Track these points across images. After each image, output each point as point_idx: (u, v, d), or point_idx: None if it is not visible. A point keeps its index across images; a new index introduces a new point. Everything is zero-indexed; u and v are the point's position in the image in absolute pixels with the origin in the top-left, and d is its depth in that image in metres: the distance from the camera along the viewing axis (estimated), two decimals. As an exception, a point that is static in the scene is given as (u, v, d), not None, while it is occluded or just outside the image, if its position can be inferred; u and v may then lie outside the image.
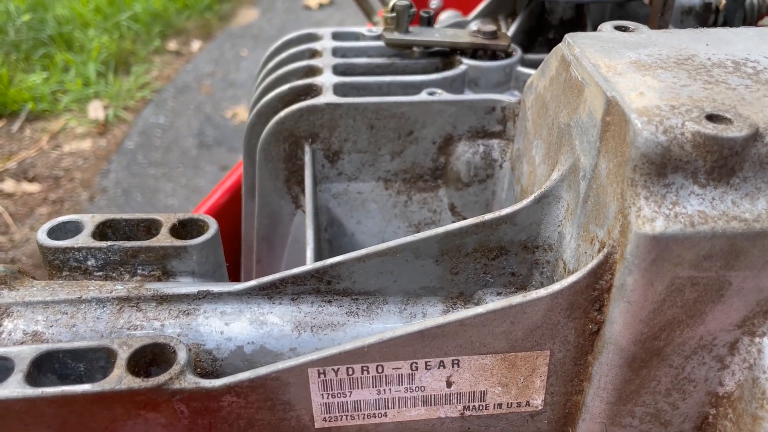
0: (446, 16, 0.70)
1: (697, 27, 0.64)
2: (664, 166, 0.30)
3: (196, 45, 3.82)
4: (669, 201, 0.30)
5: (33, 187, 2.93)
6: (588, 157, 0.35)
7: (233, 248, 0.61)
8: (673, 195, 0.30)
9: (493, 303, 0.33)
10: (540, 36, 0.61)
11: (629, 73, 0.34)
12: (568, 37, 0.38)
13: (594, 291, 0.33)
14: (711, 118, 0.30)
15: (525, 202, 0.39)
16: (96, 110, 3.35)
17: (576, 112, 0.36)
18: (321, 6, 4.16)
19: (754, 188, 0.30)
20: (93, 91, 3.39)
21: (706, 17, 0.63)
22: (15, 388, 0.34)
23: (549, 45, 0.61)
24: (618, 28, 0.40)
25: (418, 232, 0.54)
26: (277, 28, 3.96)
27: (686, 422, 0.35)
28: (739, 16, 0.61)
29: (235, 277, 0.62)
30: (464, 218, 0.53)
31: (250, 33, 3.85)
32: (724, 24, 0.63)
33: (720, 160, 0.29)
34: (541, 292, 0.33)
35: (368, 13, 0.70)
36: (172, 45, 3.79)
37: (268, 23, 4.01)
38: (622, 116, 0.31)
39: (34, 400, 0.34)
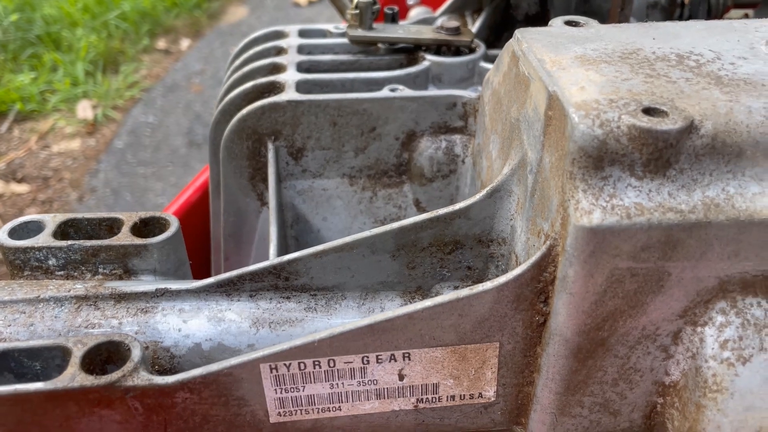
0: (416, 12, 0.70)
1: (662, 20, 0.64)
2: (601, 159, 0.30)
3: (185, 43, 3.81)
4: (606, 193, 0.30)
5: (22, 188, 2.92)
6: (534, 152, 0.35)
7: (205, 245, 0.61)
8: (610, 187, 0.30)
9: (441, 296, 0.34)
10: (505, 31, 0.61)
11: (573, 67, 0.34)
12: (518, 33, 0.39)
13: (539, 283, 0.33)
14: (647, 111, 0.30)
15: (478, 196, 0.39)
16: (85, 110, 3.34)
17: (524, 107, 0.37)
18: (310, 3, 4.15)
19: (691, 180, 0.30)
20: (81, 91, 3.38)
21: (671, 11, 0.63)
22: (-30, 387, 0.34)
23: (514, 40, 0.61)
24: (568, 23, 0.40)
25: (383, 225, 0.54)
26: (266, 26, 3.94)
27: (635, 411, 0.36)
28: (703, 9, 0.61)
29: (206, 273, 0.62)
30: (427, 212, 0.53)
31: (240, 31, 3.84)
32: (690, 18, 0.63)
33: (655, 153, 0.30)
34: (487, 284, 0.33)
35: (341, 11, 0.71)
36: (161, 43, 3.78)
37: (257, 20, 4.00)
38: (561, 110, 0.31)
39: (-10, 399, 0.34)
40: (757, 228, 0.30)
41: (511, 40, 0.40)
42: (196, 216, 0.63)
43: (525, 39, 0.38)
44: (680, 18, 0.64)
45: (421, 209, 0.53)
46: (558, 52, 0.36)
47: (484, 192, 0.39)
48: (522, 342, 0.35)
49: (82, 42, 3.41)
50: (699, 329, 0.32)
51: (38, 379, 0.37)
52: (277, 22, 3.94)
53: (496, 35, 0.61)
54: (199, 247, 0.61)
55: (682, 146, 0.30)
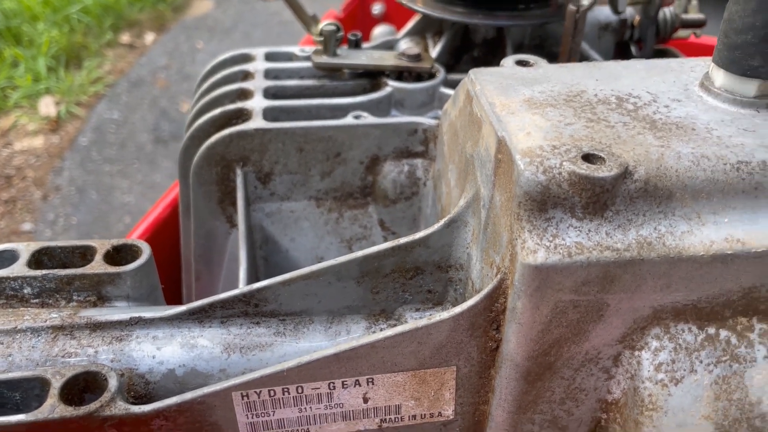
0: (379, 31, 0.72)
1: (614, 42, 0.68)
2: (545, 203, 0.33)
3: (149, 37, 3.75)
4: (550, 233, 0.33)
5: (-17, 188, 2.84)
6: (486, 189, 0.38)
7: (176, 263, 0.62)
8: (553, 228, 0.33)
9: (401, 326, 0.36)
10: (465, 54, 0.64)
11: (521, 112, 0.37)
12: (472, 73, 0.41)
13: (491, 312, 0.36)
14: (586, 157, 0.33)
15: (436, 226, 0.42)
16: (47, 106, 3.27)
17: (477, 146, 0.39)
18: (277, -4, 4.10)
19: (626, 220, 0.33)
20: (44, 87, 3.30)
21: (622, 32, 0.67)
22: (-50, 421, 0.35)
23: (474, 62, 0.64)
24: (519, 62, 0.43)
25: (350, 247, 0.56)
26: (232, 19, 3.91)
27: (581, 426, 0.39)
28: (651, 32, 0.65)
29: (177, 289, 0.63)
30: (393, 233, 0.56)
31: (205, 24, 3.80)
32: (639, 39, 0.66)
33: (594, 197, 0.32)
34: (444, 314, 0.36)
35: (307, 25, 0.72)
36: (125, 38, 3.71)
37: (223, 14, 3.95)
38: (509, 156, 0.34)
39: (-32, 432, 0.35)
40: (685, 263, 0.33)
41: (465, 78, 0.42)
42: (168, 232, 0.64)
43: (478, 80, 0.40)
44: (630, 38, 0.67)
45: (385, 229, 0.56)
46: (508, 95, 0.39)
47: (441, 222, 0.41)
48: (477, 365, 0.38)
49: (43, 37, 3.33)
50: (636, 353, 0.36)
51: (18, 410, 0.38)
52: (243, 15, 3.91)
53: (456, 58, 0.63)
54: (169, 263, 0.63)
55: (618, 190, 0.33)
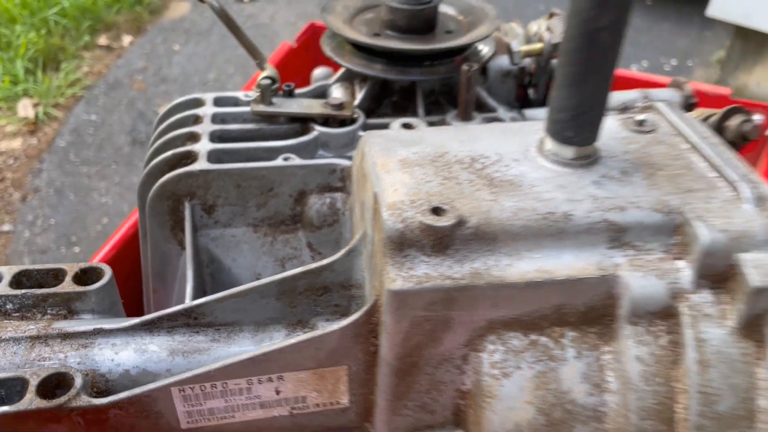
0: (318, 73, 0.83)
1: (514, 87, 0.79)
2: (402, 244, 0.44)
3: (127, 40, 3.80)
4: (406, 267, 0.44)
5: (-38, 190, 2.90)
6: (370, 229, 0.49)
7: (139, 277, 0.73)
8: (408, 263, 0.44)
9: (302, 335, 0.47)
10: (385, 99, 0.75)
11: (395, 170, 0.48)
12: (365, 135, 0.52)
13: (370, 324, 0.47)
14: (434, 210, 0.44)
15: (338, 254, 0.53)
16: (26, 108, 3.32)
17: (366, 194, 0.50)
18: (253, -1, 4.17)
19: (462, 257, 0.45)
20: (22, 89, 3.35)
21: (521, 78, 0.78)
22: (-50, 411, 0.46)
23: (393, 106, 0.75)
24: (403, 125, 0.54)
25: (283, 265, 0.67)
26: (209, 22, 3.97)
27: (446, 410, 0.50)
28: (544, 78, 0.76)
29: (139, 298, 0.74)
30: (320, 253, 0.67)
31: (182, 27, 3.86)
32: (535, 84, 0.78)
33: (437, 240, 0.44)
34: (334, 326, 0.47)
35: (260, 64, 0.83)
36: (103, 40, 3.76)
37: (200, 17, 4.01)
38: (379, 208, 0.45)
39: (-35, 420, 0.46)
40: (507, 288, 0.44)
41: (363, 137, 0.53)
42: (130, 250, 0.74)
43: (368, 142, 0.51)
44: (529, 84, 0.78)
45: (313, 250, 0.67)
46: (388, 155, 0.50)
47: (343, 251, 0.53)
48: (363, 364, 0.49)
49: (21, 39, 3.37)
50: (478, 354, 0.47)
51: (3, 403, 0.49)
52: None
53: (378, 103, 0.74)
54: (134, 276, 0.73)
55: (455, 235, 0.44)
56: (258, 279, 0.58)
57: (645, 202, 0.46)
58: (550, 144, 0.49)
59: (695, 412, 0.44)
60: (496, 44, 0.80)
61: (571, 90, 0.45)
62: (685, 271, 0.45)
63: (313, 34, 1.03)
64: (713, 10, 3.34)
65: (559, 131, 0.48)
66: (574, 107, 0.46)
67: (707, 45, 4.04)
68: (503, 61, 0.77)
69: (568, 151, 0.48)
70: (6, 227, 2.84)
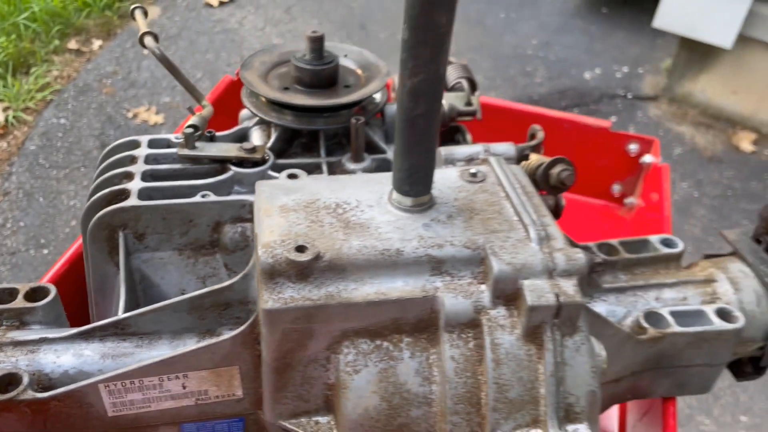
0: (243, 114, 0.97)
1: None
2: (273, 274, 0.58)
3: (96, 44, 3.88)
4: (276, 291, 0.58)
5: (-67, 194, 2.97)
6: (254, 261, 0.63)
7: (84, 289, 0.86)
8: (279, 288, 0.58)
9: (199, 343, 0.61)
10: (295, 140, 0.89)
11: (274, 215, 0.62)
12: (257, 185, 0.66)
13: (253, 334, 0.61)
14: (298, 248, 0.59)
15: (237, 278, 0.67)
16: (-5, 112, 3.38)
17: (255, 232, 0.65)
18: (221, 4, 4.28)
19: (320, 283, 0.59)
20: (-9, 94, 3.41)
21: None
22: (-77, 404, 0.59)
23: (302, 147, 0.89)
24: (289, 176, 0.68)
25: (204, 282, 0.81)
26: (178, 27, 4.06)
27: (318, 399, 0.65)
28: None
29: (86, 308, 0.87)
30: (235, 272, 0.81)
31: (152, 31, 3.94)
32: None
33: (299, 271, 0.58)
34: (226, 335, 0.61)
35: (197, 99, 0.96)
36: (73, 44, 3.84)
37: (169, 21, 4.10)
38: (257, 245, 0.59)
39: (-65, 410, 0.59)
40: (354, 306, 0.59)
41: (256, 186, 0.67)
42: (78, 268, 0.88)
43: (258, 190, 0.66)
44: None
45: (229, 269, 0.80)
46: (272, 202, 0.64)
47: (240, 275, 0.67)
48: (252, 365, 0.64)
49: (-10, 45, 3.43)
50: (337, 355, 0.61)
51: (-35, 397, 0.62)
52: (189, 23, 4.06)
53: (289, 143, 0.88)
54: (80, 291, 0.87)
55: (313, 267, 0.58)
56: (183, 294, 0.71)
57: (458, 241, 0.61)
58: (395, 194, 0.64)
59: (493, 398, 0.59)
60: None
61: (403, 157, 0.60)
62: (485, 293, 0.60)
63: (252, 67, 1.16)
64: (659, 22, 3.53)
65: (399, 186, 0.63)
66: (407, 169, 0.61)
67: (658, 53, 4.25)
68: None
69: (407, 201, 0.63)
70: (-24, 230, 2.90)
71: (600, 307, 0.75)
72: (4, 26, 3.62)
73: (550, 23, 4.40)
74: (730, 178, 3.30)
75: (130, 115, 3.40)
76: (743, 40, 3.35)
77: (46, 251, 2.77)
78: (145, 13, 1.09)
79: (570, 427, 0.60)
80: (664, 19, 3.53)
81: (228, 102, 1.23)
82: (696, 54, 3.65)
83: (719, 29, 3.34)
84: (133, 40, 3.93)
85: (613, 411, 0.97)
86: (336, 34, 4.07)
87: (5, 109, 3.37)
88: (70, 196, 3.01)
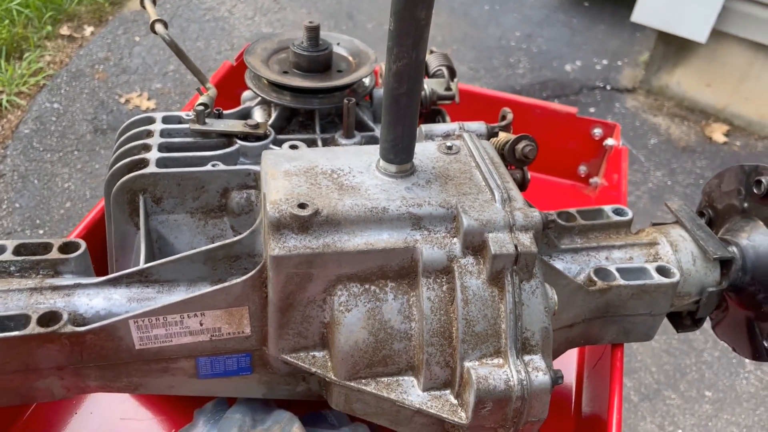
0: (245, 95, 1.07)
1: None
2: (279, 226, 0.69)
3: (88, 30, 3.93)
4: (281, 241, 0.69)
5: (-70, 174, 3.03)
6: (262, 216, 0.74)
7: (105, 246, 0.97)
8: (283, 238, 0.69)
9: (215, 287, 0.72)
10: (294, 118, 1.00)
11: (279, 178, 0.73)
12: (263, 153, 0.77)
13: (261, 278, 0.73)
14: (300, 205, 0.70)
15: (246, 233, 0.78)
16: (-11, 96, 3.42)
17: (261, 193, 0.75)
18: (212, -8, 4.32)
19: (318, 234, 0.70)
20: (-15, 78, 3.45)
21: (399, 103, 1.03)
22: (-21, 335, 0.70)
23: (299, 124, 1.00)
24: (291, 146, 0.79)
25: (212, 242, 0.92)
26: (169, 14, 4.12)
27: (315, 335, 0.76)
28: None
29: (103, 265, 0.98)
30: (240, 233, 0.92)
31: (143, 19, 4.00)
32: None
33: (301, 224, 0.69)
34: (237, 280, 0.72)
35: (202, 82, 1.06)
36: (65, 30, 3.89)
37: (160, 8, 4.15)
38: (265, 203, 0.70)
39: (-10, 341, 0.70)
40: (346, 255, 0.70)
41: (262, 154, 0.78)
42: (97, 228, 0.98)
43: (265, 157, 0.76)
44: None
45: (235, 231, 0.91)
46: (276, 167, 0.75)
47: (248, 231, 0.78)
48: (259, 305, 0.75)
49: (-17, 30, 3.48)
50: (332, 297, 0.73)
51: (15, 330, 0.72)
52: (179, 11, 4.12)
53: (288, 121, 0.99)
54: (100, 247, 0.97)
55: (313, 221, 0.70)
56: (194, 251, 0.82)
57: (435, 201, 0.72)
58: (381, 162, 0.75)
59: (462, 332, 0.71)
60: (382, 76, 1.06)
61: (388, 130, 0.71)
62: (457, 244, 0.71)
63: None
64: (637, 16, 3.67)
65: (385, 155, 0.74)
66: (392, 141, 0.72)
67: (637, 46, 4.39)
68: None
69: (392, 168, 0.74)
70: (-28, 210, 2.97)
71: (558, 264, 0.87)
72: (-3, 11, 3.65)
73: (533, 16, 4.52)
74: (702, 167, 3.46)
75: (122, 100, 3.47)
76: (717, 34, 3.50)
77: (41, 231, 2.84)
78: (154, 2, 1.18)
79: (526, 357, 0.72)
80: (642, 13, 3.67)
81: (227, 86, 1.33)
82: (672, 48, 3.79)
83: (694, 24, 3.48)
84: (125, 27, 3.99)
85: (572, 362, 1.10)
86: (324, 23, 4.16)
87: (-1, 93, 3.42)
88: (64, 179, 3.08)
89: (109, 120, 3.40)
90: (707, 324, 1.01)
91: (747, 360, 2.51)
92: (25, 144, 3.24)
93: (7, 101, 3.40)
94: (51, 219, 2.90)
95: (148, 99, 3.47)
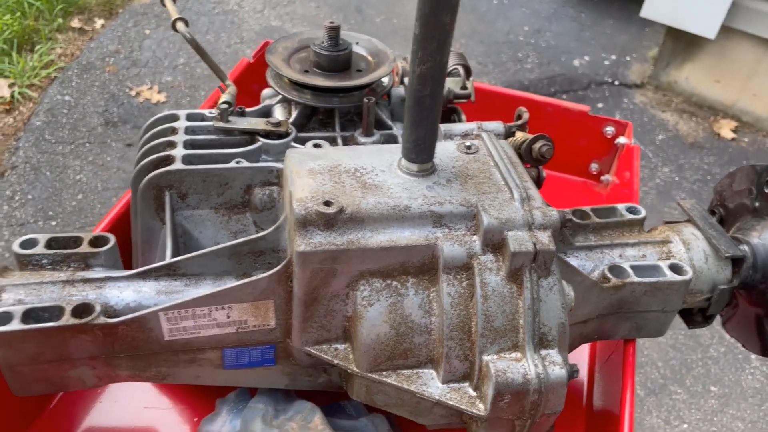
0: (265, 93, 1.09)
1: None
2: (305, 223, 0.72)
3: (99, 23, 3.95)
4: (307, 237, 0.72)
5: (-56, 166, 3.06)
6: (287, 213, 0.76)
7: (129, 240, 0.99)
8: (309, 234, 0.72)
9: (243, 281, 0.75)
10: (314, 116, 1.02)
11: (304, 176, 0.76)
12: (288, 151, 0.79)
13: (287, 273, 0.75)
14: (325, 203, 0.72)
15: (270, 229, 0.80)
16: (1, 88, 3.47)
17: (287, 189, 0.78)
18: (222, -15, 4.33)
19: (343, 231, 0.72)
20: (-3, 70, 3.48)
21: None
22: (15, 326, 0.72)
23: (319, 123, 1.02)
24: (314, 145, 0.82)
25: (235, 236, 0.94)
26: (179, 8, 4.12)
27: (338, 328, 0.78)
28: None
29: (129, 257, 1.00)
30: (262, 229, 0.94)
31: (153, 12, 4.02)
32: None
33: (327, 221, 0.72)
34: (264, 274, 0.75)
35: (222, 78, 1.08)
36: (75, 23, 3.91)
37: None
38: (292, 201, 0.73)
39: (25, 331, 0.72)
40: (369, 251, 0.72)
41: (286, 153, 0.80)
42: (121, 223, 1.01)
43: (289, 156, 0.79)
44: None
45: (257, 226, 0.94)
46: (301, 166, 0.77)
47: (273, 227, 0.80)
48: (284, 299, 0.77)
49: (-4, 22, 3.50)
50: (354, 292, 0.75)
51: (49, 322, 0.75)
52: (189, 4, 4.13)
53: (308, 119, 1.01)
54: (126, 241, 1.00)
55: (338, 219, 0.72)
56: (217, 246, 0.84)
57: (455, 200, 0.75)
58: (403, 161, 0.77)
59: (481, 327, 0.73)
60: (402, 74, 1.08)
61: (411, 130, 0.73)
62: (477, 242, 0.74)
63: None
64: (646, 12, 3.67)
65: (407, 154, 0.76)
66: (414, 140, 0.74)
67: (645, 41, 4.38)
68: (401, 90, 1.04)
69: (413, 167, 0.77)
70: (-14, 201, 3.00)
71: (572, 261, 0.89)
72: (9, 4, 3.69)
73: (541, 10, 4.52)
74: (710, 163, 3.46)
75: (133, 93, 3.50)
76: (726, 30, 3.50)
77: (54, 223, 2.88)
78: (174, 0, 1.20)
79: (543, 352, 0.74)
80: (651, 9, 3.67)
81: (245, 82, 1.35)
82: (681, 43, 3.79)
83: (704, 20, 3.48)
84: (135, 20, 4.01)
85: (584, 356, 1.12)
86: (333, 17, 4.17)
87: (11, 86, 3.45)
88: (76, 171, 3.11)
89: (120, 113, 3.43)
90: (714, 321, 1.03)
91: (753, 356, 2.53)
92: (37, 136, 3.27)
93: (19, 93, 3.43)
94: (63, 211, 2.94)
95: (159, 92, 3.49)
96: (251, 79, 1.39)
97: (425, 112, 0.71)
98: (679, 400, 2.38)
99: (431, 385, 0.75)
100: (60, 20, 3.82)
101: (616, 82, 3.95)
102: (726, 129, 3.65)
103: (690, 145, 3.57)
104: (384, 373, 0.76)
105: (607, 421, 0.94)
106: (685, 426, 2.30)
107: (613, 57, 4.19)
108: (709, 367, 2.52)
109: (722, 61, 3.70)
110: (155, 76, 3.59)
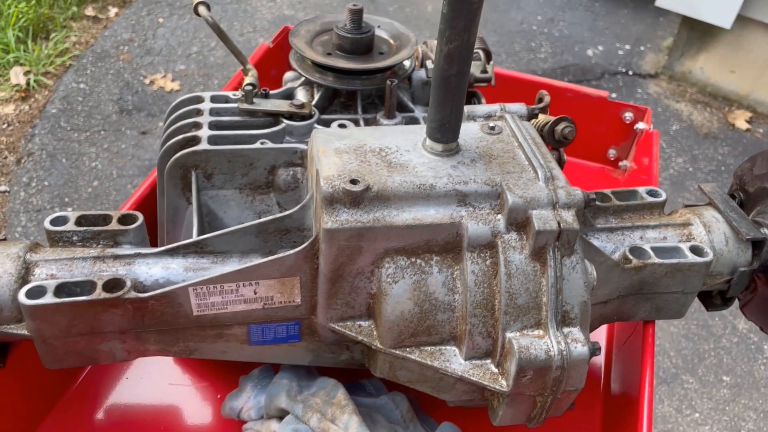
0: (287, 76, 1.10)
1: (427, 95, 1.07)
2: (332, 201, 0.73)
3: (113, 11, 3.97)
4: (334, 215, 0.73)
5: (-38, 152, 3.10)
6: (315, 192, 0.78)
7: (155, 220, 1.01)
8: (336, 212, 0.73)
9: (270, 257, 0.76)
10: (336, 99, 1.03)
11: (331, 156, 0.77)
12: (314, 131, 0.81)
13: (313, 250, 0.76)
14: (352, 181, 0.73)
15: (296, 208, 0.81)
16: (17, 76, 3.50)
17: (313, 169, 0.79)
18: (235, -26, 4.33)
19: (369, 209, 0.73)
20: (13, 57, 3.52)
21: (437, 85, 1.06)
22: (49, 299, 0.74)
23: (341, 105, 1.03)
24: (340, 125, 0.82)
25: (259, 216, 0.96)
26: (192, -4, 4.14)
27: (362, 306, 0.80)
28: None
29: (155, 236, 1.02)
30: (285, 209, 0.95)
31: (166, 0, 4.03)
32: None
33: (353, 198, 0.73)
34: (291, 252, 0.76)
35: (243, 64, 1.09)
36: (90, 11, 3.93)
37: (182, -10, 4.16)
38: (319, 178, 0.74)
39: (58, 305, 0.74)
40: (395, 229, 0.73)
41: (312, 133, 0.82)
42: (146, 203, 1.03)
43: (314, 136, 0.80)
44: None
45: (280, 207, 0.95)
46: (327, 145, 0.78)
47: (299, 206, 0.81)
48: (310, 276, 0.78)
49: (11, 9, 3.53)
50: (379, 269, 0.76)
51: (81, 296, 0.77)
52: (203, -8, 4.13)
53: (330, 101, 1.02)
54: (151, 221, 1.01)
55: (364, 196, 0.73)
56: (242, 226, 0.86)
57: (480, 179, 0.76)
58: (428, 141, 0.78)
59: (504, 304, 0.74)
60: (423, 58, 1.09)
61: (437, 110, 0.74)
62: (501, 220, 0.75)
63: (286, 36, 1.29)
64: (661, 1, 3.64)
65: (431, 134, 0.77)
66: (439, 120, 0.75)
67: (660, 31, 4.35)
68: (422, 73, 1.05)
69: (438, 146, 0.78)
70: (2, 188, 3.06)
71: (593, 242, 0.89)
72: (25, -9, 3.70)
73: (555, 0, 4.49)
74: (724, 154, 3.44)
75: (147, 81, 3.52)
76: (742, 20, 3.46)
77: (70, 209, 2.91)
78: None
79: (566, 330, 0.75)
80: (666, -2, 3.64)
81: (264, 67, 1.36)
82: (696, 33, 3.76)
83: (719, 9, 3.45)
84: (148, 8, 4.02)
85: (602, 339, 1.13)
86: (345, 6, 4.16)
87: (26, 73, 3.48)
88: (92, 158, 3.14)
89: (134, 101, 3.45)
90: (726, 311, 1.03)
91: (766, 346, 2.52)
92: (53, 123, 3.30)
93: (35, 81, 3.46)
94: (79, 197, 2.97)
95: (173, 80, 3.51)
96: (270, 65, 1.40)
97: (451, 92, 0.72)
98: (691, 390, 2.38)
99: (454, 361, 0.77)
100: (74, 8, 3.84)
101: (630, 72, 3.93)
102: (741, 119, 3.62)
103: (704, 136, 3.55)
104: (407, 349, 0.77)
105: (626, 402, 0.95)
106: (697, 415, 2.30)
107: (627, 47, 4.16)
108: (721, 357, 2.52)
109: (737, 52, 3.67)
110: (169, 65, 3.60)
